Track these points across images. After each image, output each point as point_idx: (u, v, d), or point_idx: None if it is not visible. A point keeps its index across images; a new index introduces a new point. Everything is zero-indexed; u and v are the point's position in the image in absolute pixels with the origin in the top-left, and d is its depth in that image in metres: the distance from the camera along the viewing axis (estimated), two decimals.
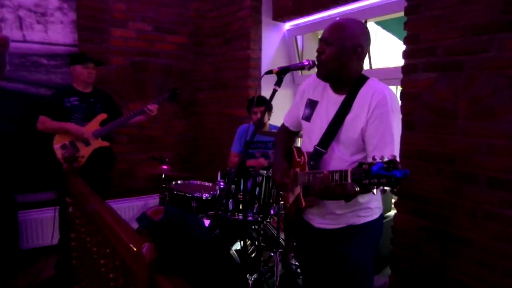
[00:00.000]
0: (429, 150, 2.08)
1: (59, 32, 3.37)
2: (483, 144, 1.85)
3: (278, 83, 1.46)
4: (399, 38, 4.05)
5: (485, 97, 1.84)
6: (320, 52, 1.43)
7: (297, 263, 2.69)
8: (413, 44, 2.15)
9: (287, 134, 1.77)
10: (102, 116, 2.90)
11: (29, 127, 2.88)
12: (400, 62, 2.23)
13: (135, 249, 0.92)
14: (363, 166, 1.09)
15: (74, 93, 2.88)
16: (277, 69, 1.47)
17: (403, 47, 2.22)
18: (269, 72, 1.48)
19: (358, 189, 1.25)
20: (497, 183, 1.81)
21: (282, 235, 2.96)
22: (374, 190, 1.09)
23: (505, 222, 1.79)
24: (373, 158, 1.08)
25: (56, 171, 2.82)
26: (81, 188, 1.62)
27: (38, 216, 3.14)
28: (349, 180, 1.16)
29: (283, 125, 1.81)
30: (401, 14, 2.44)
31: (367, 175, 1.07)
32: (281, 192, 1.73)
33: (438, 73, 2.03)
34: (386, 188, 1.06)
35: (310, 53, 3.63)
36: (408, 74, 2.18)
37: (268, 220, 2.47)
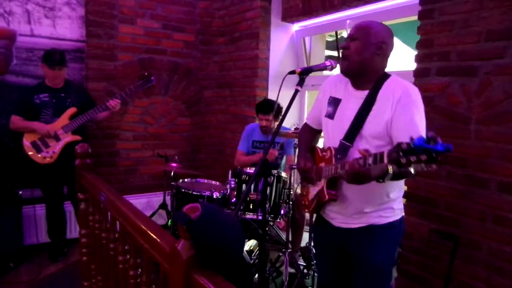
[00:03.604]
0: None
1: (66, 27, 3.35)
2: (496, 148, 1.87)
3: (300, 83, 1.47)
4: (406, 42, 4.08)
5: (499, 102, 1.86)
6: (345, 47, 1.46)
7: (304, 263, 2.70)
8: (426, 48, 2.16)
9: (310, 133, 1.79)
10: (72, 110, 2.92)
11: None
12: (405, 66, 2.24)
13: (167, 248, 0.92)
14: (402, 145, 1.04)
15: (44, 89, 2.91)
16: (300, 70, 1.48)
17: (408, 51, 2.23)
18: (293, 72, 1.49)
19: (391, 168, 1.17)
20: (509, 188, 1.83)
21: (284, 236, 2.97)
22: (412, 169, 1.04)
23: None
24: (411, 138, 1.03)
25: (30, 169, 2.87)
26: (98, 184, 1.61)
27: (42, 212, 3.10)
28: (385, 161, 1.12)
29: (305, 124, 1.82)
30: (411, 18, 2.47)
31: (405, 153, 1.02)
32: (302, 185, 1.72)
33: (451, 78, 2.05)
34: (424, 165, 1.00)
35: (318, 55, 3.65)
36: (420, 77, 2.19)
37: (277, 220, 2.48)
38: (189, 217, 0.83)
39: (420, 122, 1.39)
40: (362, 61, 1.44)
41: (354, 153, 1.45)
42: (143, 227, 1.10)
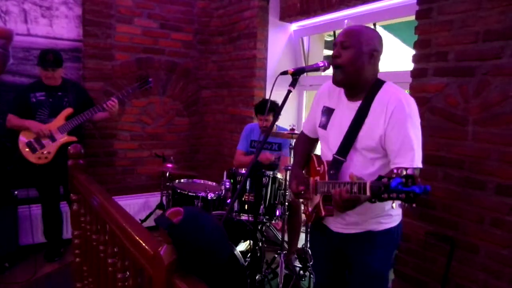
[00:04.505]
0: (437, 155, 2.07)
1: (63, 27, 3.34)
2: (494, 150, 1.84)
3: (293, 84, 1.44)
4: (405, 42, 4.05)
5: (497, 103, 1.83)
6: (336, 56, 1.41)
7: (300, 265, 2.68)
8: (423, 49, 2.14)
9: (306, 142, 1.76)
10: (68, 110, 2.90)
11: None
12: (404, 66, 2.22)
13: (151, 251, 0.91)
14: (383, 179, 1.06)
15: (41, 88, 2.89)
16: (293, 70, 1.45)
17: (407, 51, 2.21)
18: (285, 72, 1.46)
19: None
20: (507, 190, 1.80)
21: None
22: (394, 204, 1.07)
23: None
24: (392, 172, 1.06)
25: (25, 168, 2.86)
26: (88, 185, 1.59)
27: (38, 212, 3.09)
28: (368, 193, 1.13)
29: (302, 132, 1.80)
30: (410, 18, 2.44)
31: (386, 189, 1.04)
32: (301, 200, 1.72)
33: (448, 78, 2.02)
34: (403, 203, 1.04)
35: (316, 55, 3.62)
36: (418, 78, 2.17)
37: (273, 221, 2.46)
38: (170, 221, 0.81)
39: (414, 136, 1.34)
40: (356, 70, 1.39)
41: (347, 168, 1.44)
42: (128, 229, 1.08)
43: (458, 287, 1.99)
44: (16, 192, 3.06)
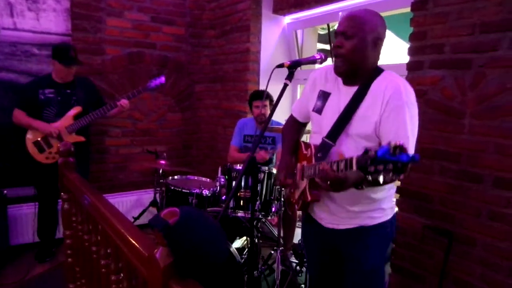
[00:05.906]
0: (433, 148, 2.06)
1: (51, 20, 3.24)
2: (491, 143, 1.83)
3: (289, 77, 1.41)
4: (398, 35, 4.03)
5: (493, 96, 1.81)
6: (338, 46, 1.36)
7: (296, 261, 2.66)
8: (419, 41, 2.11)
9: (296, 126, 1.70)
10: (76, 109, 2.82)
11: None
12: (397, 59, 2.19)
13: (146, 254, 0.87)
14: (369, 153, 1.01)
15: (50, 84, 2.80)
16: (289, 63, 1.41)
17: (401, 44, 2.18)
18: (281, 65, 1.42)
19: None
20: (504, 183, 1.79)
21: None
22: (380, 178, 1.00)
23: (511, 223, 1.77)
24: (380, 144, 1.01)
25: (31, 166, 2.79)
26: (79, 184, 1.54)
27: (28, 211, 3.03)
28: (354, 168, 1.08)
29: (291, 116, 1.73)
30: (405, 10, 2.42)
31: (372, 162, 0.99)
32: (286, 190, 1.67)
33: (444, 71, 2.00)
34: (392, 175, 0.96)
35: (310, 48, 3.59)
36: (414, 71, 2.14)
37: (269, 217, 2.43)
38: (166, 222, 0.77)
39: (410, 124, 1.31)
40: (358, 60, 1.35)
41: (336, 153, 1.39)
42: (121, 230, 1.04)
43: (456, 281, 1.98)
44: (5, 191, 2.98)
